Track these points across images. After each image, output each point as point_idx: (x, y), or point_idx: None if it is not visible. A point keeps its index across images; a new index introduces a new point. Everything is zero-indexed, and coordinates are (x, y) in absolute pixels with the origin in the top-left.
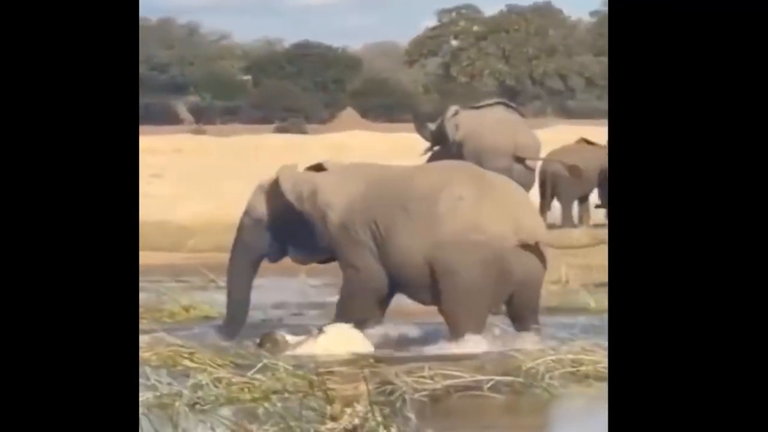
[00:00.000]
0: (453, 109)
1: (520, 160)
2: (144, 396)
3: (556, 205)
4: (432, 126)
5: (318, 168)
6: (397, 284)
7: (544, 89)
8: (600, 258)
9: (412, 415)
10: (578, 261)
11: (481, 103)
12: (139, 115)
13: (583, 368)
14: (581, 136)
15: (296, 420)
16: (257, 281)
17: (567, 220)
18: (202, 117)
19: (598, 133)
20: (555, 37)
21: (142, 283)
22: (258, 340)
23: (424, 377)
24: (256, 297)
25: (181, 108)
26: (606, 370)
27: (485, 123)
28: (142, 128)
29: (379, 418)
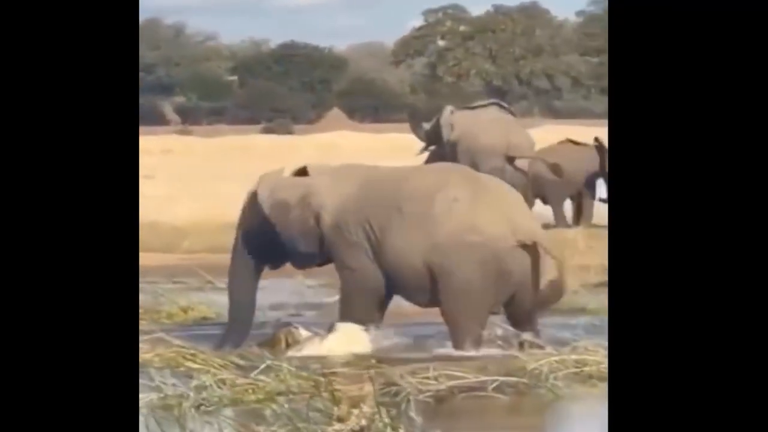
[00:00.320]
0: (449, 109)
1: (511, 159)
2: (148, 397)
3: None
4: (427, 126)
5: (301, 173)
6: (394, 286)
7: (531, 89)
8: (597, 258)
9: (419, 417)
10: (575, 261)
11: (476, 104)
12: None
13: (586, 369)
14: (568, 136)
15: (303, 421)
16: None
17: (560, 220)
18: (189, 118)
19: (586, 132)
20: (541, 37)
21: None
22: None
23: (428, 378)
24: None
25: (168, 109)
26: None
27: (479, 123)
28: None
29: (387, 420)
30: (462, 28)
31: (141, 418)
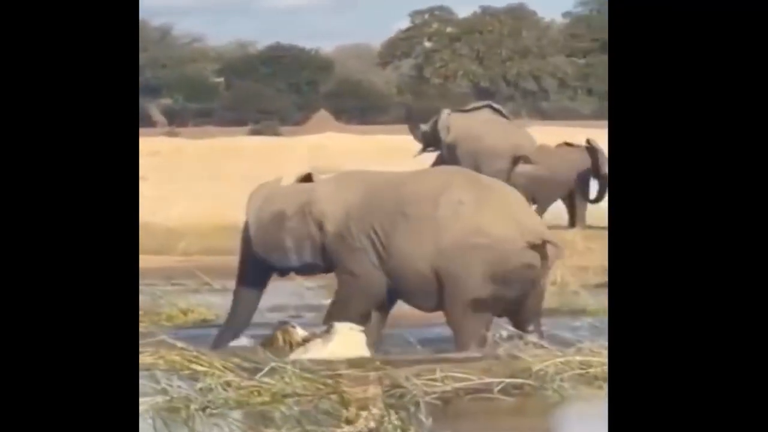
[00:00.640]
0: (446, 111)
1: (516, 160)
2: (154, 400)
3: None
4: (425, 127)
5: (305, 179)
6: (398, 291)
7: (518, 90)
8: (596, 259)
9: (429, 419)
10: (574, 262)
11: (470, 106)
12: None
13: (591, 370)
14: (556, 136)
15: (312, 424)
16: None
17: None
18: (175, 119)
19: (573, 133)
20: (528, 38)
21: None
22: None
23: (433, 380)
24: None
25: (155, 110)
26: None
27: (478, 125)
28: None
29: (397, 422)
30: (449, 29)
31: (149, 421)
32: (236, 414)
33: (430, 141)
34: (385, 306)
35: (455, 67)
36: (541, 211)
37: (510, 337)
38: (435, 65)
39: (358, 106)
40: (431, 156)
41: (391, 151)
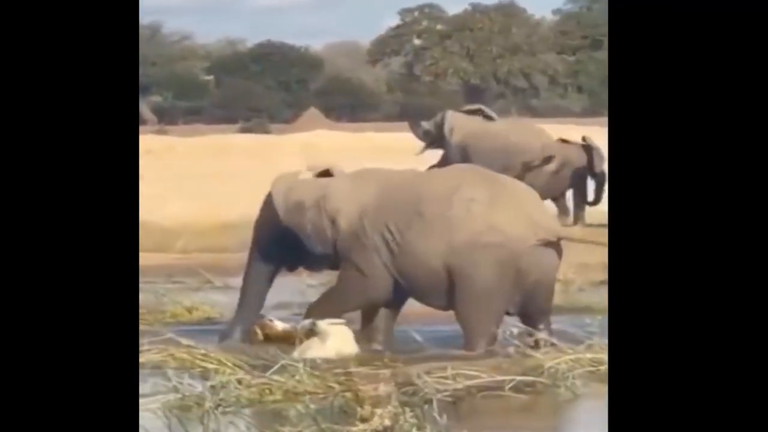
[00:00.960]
0: (450, 112)
1: (547, 160)
2: (166, 398)
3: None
4: (427, 125)
5: (324, 174)
6: (411, 290)
7: (509, 88)
8: (597, 256)
9: (443, 416)
10: (576, 259)
11: (465, 108)
12: None
13: (602, 367)
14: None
15: (327, 421)
16: None
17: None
18: (165, 117)
19: (565, 130)
20: (518, 35)
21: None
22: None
23: (445, 378)
24: None
25: (144, 109)
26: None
27: (494, 123)
28: None
29: (413, 420)
30: (439, 26)
31: (164, 419)
32: (250, 412)
33: (434, 139)
34: (395, 304)
35: (445, 65)
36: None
37: (520, 335)
38: (425, 63)
39: (348, 104)
40: (431, 153)
41: (383, 149)
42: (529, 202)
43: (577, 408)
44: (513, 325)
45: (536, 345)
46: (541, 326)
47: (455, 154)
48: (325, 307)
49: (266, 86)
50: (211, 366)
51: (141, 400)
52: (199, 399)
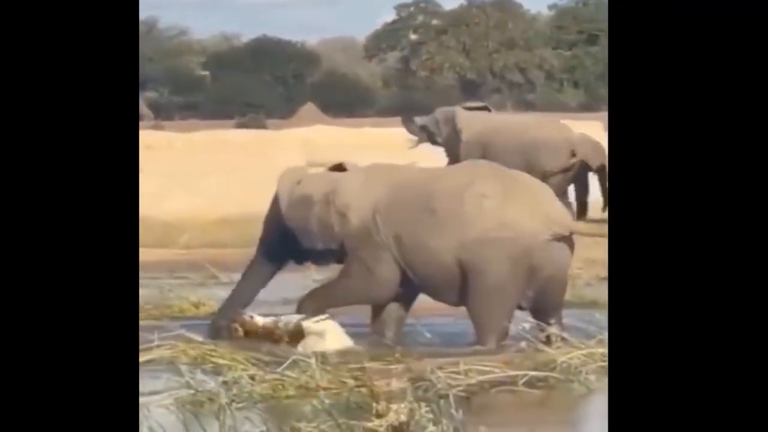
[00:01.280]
0: (461, 110)
1: (573, 155)
2: (178, 393)
3: None
4: (422, 121)
5: (337, 169)
6: (423, 286)
7: (505, 83)
8: (602, 251)
9: (459, 412)
10: (583, 254)
11: (469, 105)
12: None
13: None
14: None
15: (343, 417)
16: None
17: None
18: (161, 113)
19: None
20: (514, 30)
21: (142, 280)
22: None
23: (457, 373)
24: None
25: (141, 104)
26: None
27: (511, 118)
28: None
29: (430, 415)
30: (435, 21)
31: (179, 416)
32: (265, 407)
33: (431, 135)
34: (406, 300)
35: (441, 60)
36: None
37: (531, 330)
38: (421, 58)
39: (344, 99)
40: (428, 149)
41: (381, 144)
42: (542, 196)
43: (592, 403)
44: (525, 321)
45: (548, 340)
46: (553, 321)
47: (470, 151)
48: (322, 298)
49: (262, 82)
50: (223, 362)
51: (154, 397)
52: (212, 395)
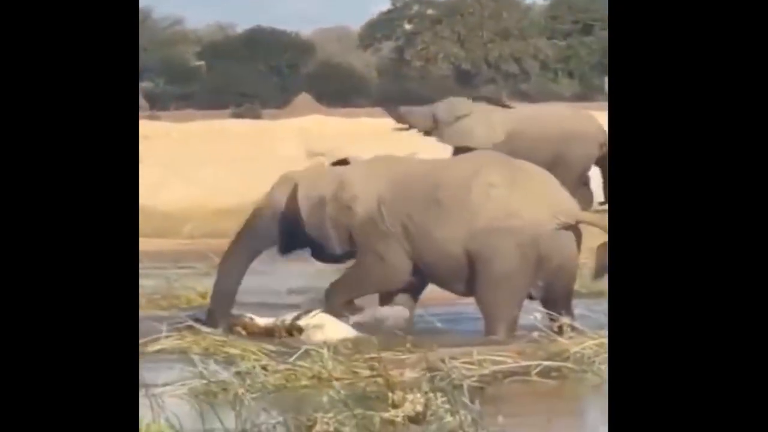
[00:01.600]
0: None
1: (603, 146)
2: (192, 384)
3: None
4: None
5: (340, 163)
6: (431, 276)
7: (499, 73)
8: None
9: (476, 402)
10: (587, 243)
11: (481, 95)
12: None
13: None
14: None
15: (360, 407)
16: (264, 266)
17: None
18: (156, 103)
19: None
20: (509, 20)
21: (147, 270)
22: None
23: (470, 363)
24: (268, 282)
25: None
26: None
27: (540, 108)
28: None
29: (447, 406)
30: (429, 11)
31: (196, 406)
32: (279, 397)
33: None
34: (415, 290)
35: (436, 50)
36: None
37: (543, 320)
38: (416, 48)
39: (339, 89)
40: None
41: (377, 134)
42: (548, 186)
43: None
44: (536, 310)
45: (560, 330)
46: (563, 311)
47: (496, 144)
48: (344, 290)
49: (257, 72)
50: (235, 352)
51: (167, 387)
52: (224, 385)
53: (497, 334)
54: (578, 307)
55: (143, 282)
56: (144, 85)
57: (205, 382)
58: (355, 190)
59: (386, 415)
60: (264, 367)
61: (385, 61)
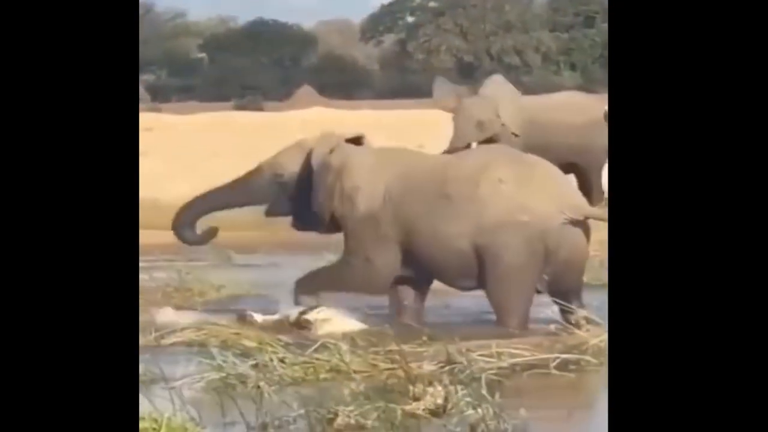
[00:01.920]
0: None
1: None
2: (210, 376)
3: None
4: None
5: (355, 141)
6: (437, 272)
7: (502, 65)
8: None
9: (497, 395)
10: (598, 236)
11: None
12: None
13: None
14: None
15: (381, 400)
16: (276, 258)
17: None
18: (158, 95)
19: None
20: (511, 12)
21: (158, 263)
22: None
23: (489, 355)
24: (275, 275)
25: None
26: None
27: (548, 100)
28: None
29: (468, 398)
30: (432, 4)
31: (216, 398)
32: (300, 390)
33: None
34: (422, 284)
35: (438, 42)
36: None
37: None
38: (418, 40)
39: (341, 81)
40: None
41: (380, 127)
42: (557, 180)
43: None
44: (553, 303)
45: (576, 323)
46: (574, 304)
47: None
48: (320, 283)
49: (259, 64)
50: (251, 344)
51: (186, 379)
52: (242, 377)
53: (509, 327)
54: (596, 299)
55: (155, 275)
56: (145, 77)
57: (224, 374)
58: (358, 180)
59: (408, 408)
60: (282, 360)
61: (387, 54)
